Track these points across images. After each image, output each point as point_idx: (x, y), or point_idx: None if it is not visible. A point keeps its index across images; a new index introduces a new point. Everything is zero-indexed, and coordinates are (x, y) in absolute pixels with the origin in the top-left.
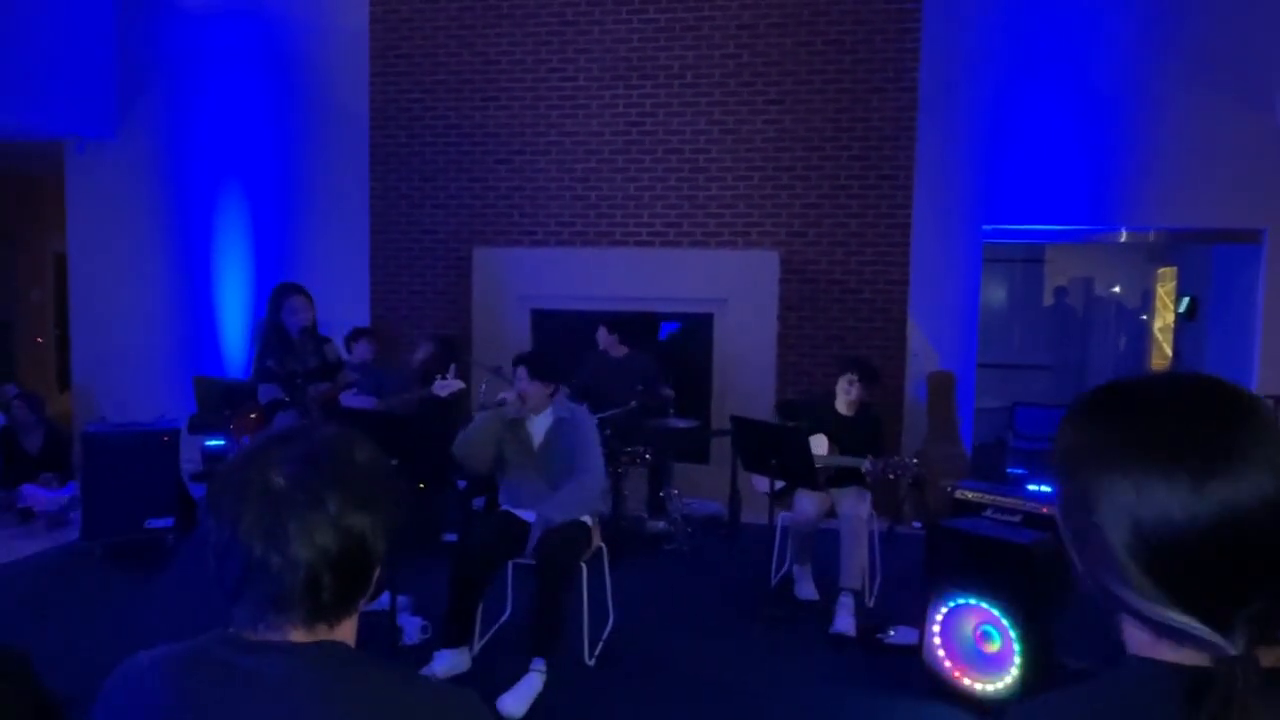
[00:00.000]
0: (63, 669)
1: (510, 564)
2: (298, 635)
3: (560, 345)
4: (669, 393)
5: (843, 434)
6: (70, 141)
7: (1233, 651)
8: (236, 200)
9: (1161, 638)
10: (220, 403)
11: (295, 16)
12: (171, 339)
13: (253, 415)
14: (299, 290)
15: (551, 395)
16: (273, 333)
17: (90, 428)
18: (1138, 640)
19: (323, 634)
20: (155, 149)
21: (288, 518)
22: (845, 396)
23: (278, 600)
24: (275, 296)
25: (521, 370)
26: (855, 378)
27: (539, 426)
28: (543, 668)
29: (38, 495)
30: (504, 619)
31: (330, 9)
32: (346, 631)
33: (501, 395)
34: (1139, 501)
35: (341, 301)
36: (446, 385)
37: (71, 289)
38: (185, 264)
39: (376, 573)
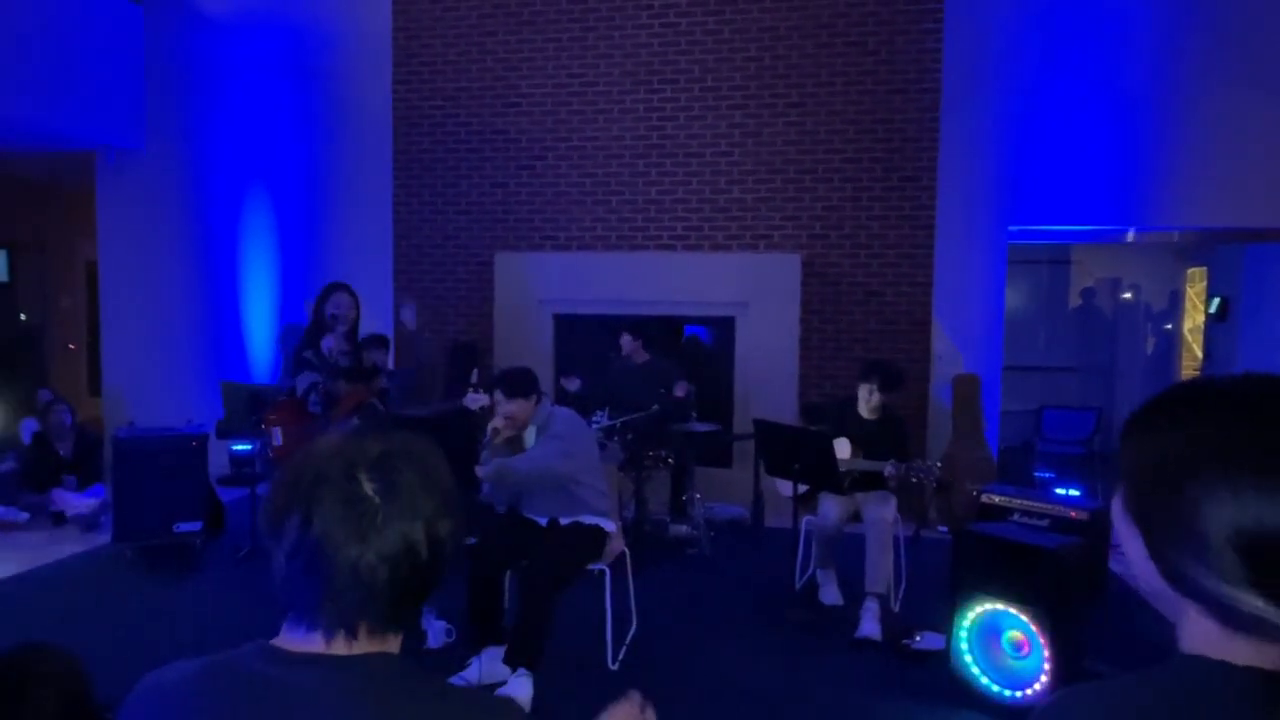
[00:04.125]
0: (95, 671)
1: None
2: (365, 643)
3: (582, 350)
4: (679, 393)
5: (866, 438)
6: (100, 151)
7: None
8: (262, 207)
9: (1230, 628)
10: (247, 407)
11: (319, 25)
12: (199, 344)
13: (283, 406)
14: (343, 288)
15: (534, 404)
16: (316, 327)
17: (120, 432)
18: (1200, 635)
19: (391, 642)
20: (183, 157)
21: (384, 523)
22: (867, 402)
23: (367, 605)
24: (323, 293)
25: (499, 394)
26: (875, 387)
27: (530, 436)
28: (528, 675)
29: (69, 499)
30: None
31: (354, 17)
32: (395, 644)
33: (491, 426)
34: (1243, 500)
35: (365, 306)
36: (478, 399)
37: (102, 296)
38: (213, 270)
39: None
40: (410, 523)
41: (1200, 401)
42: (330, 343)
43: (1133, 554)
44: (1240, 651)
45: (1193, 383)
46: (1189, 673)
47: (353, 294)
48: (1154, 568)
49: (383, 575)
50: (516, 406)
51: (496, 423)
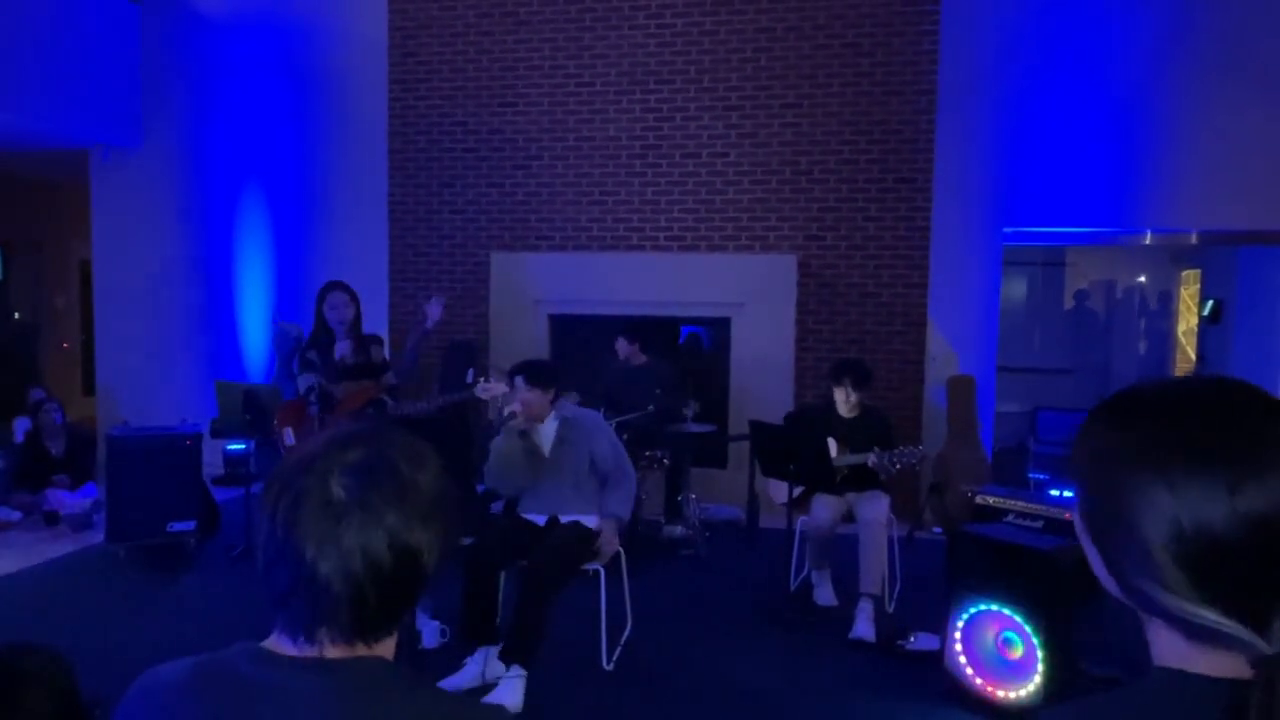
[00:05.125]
0: (86, 670)
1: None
2: (335, 651)
3: (577, 350)
4: (658, 393)
5: (850, 435)
6: (95, 149)
7: (1269, 651)
8: (257, 206)
9: (1194, 641)
10: (242, 407)
11: (315, 24)
12: (194, 343)
13: (290, 407)
14: (341, 287)
15: (553, 401)
16: (318, 327)
17: (114, 431)
18: (1168, 647)
19: (361, 650)
20: (178, 156)
21: (344, 529)
22: (846, 402)
23: (323, 611)
24: (320, 293)
25: (519, 380)
26: (849, 388)
27: (546, 433)
28: (523, 674)
29: (62, 498)
30: None
31: (349, 17)
32: (387, 648)
33: (509, 409)
34: (1176, 504)
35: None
36: (489, 389)
37: (96, 294)
38: (207, 269)
39: (424, 589)
40: (370, 531)
41: (1135, 405)
42: (345, 348)
43: (1095, 567)
44: (1207, 662)
45: (1130, 388)
46: (1162, 688)
47: (350, 292)
48: (1113, 581)
49: (338, 583)
50: (534, 396)
51: (514, 407)
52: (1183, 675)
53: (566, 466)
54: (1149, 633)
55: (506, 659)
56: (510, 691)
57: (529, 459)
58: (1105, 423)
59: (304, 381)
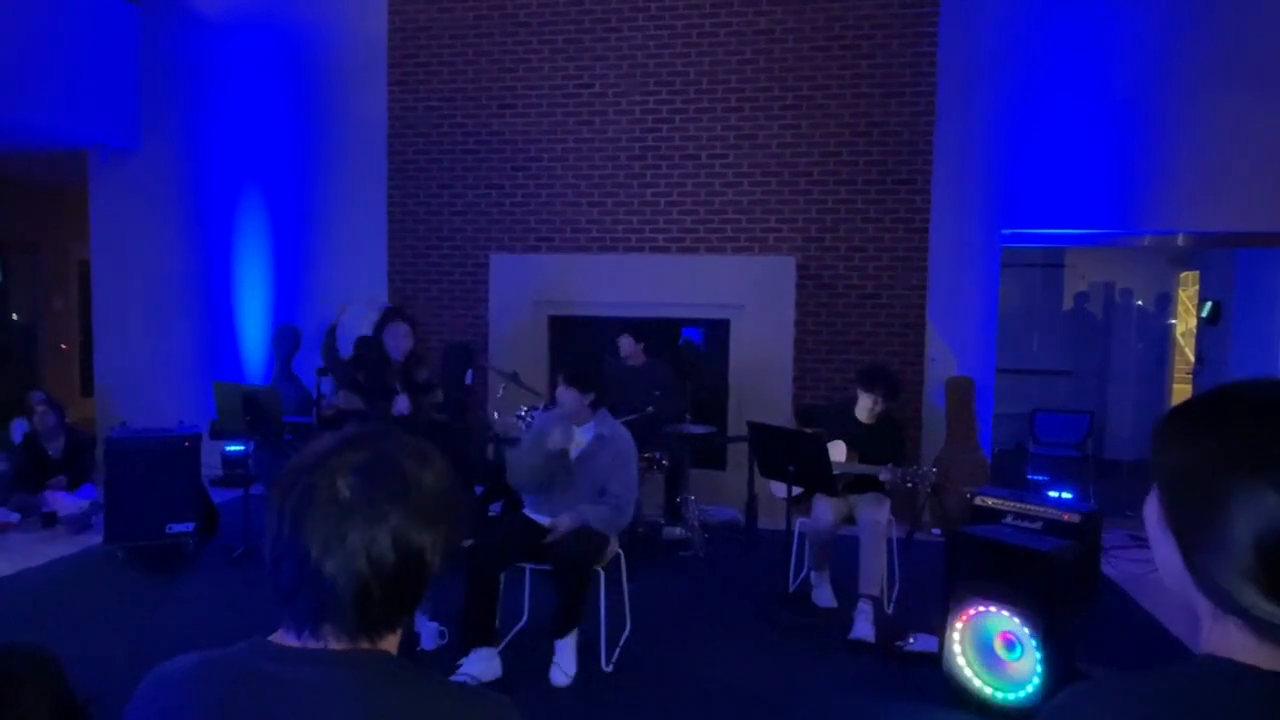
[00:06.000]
0: (86, 671)
1: (528, 569)
2: (339, 645)
3: (575, 351)
4: (656, 394)
5: (862, 441)
6: (94, 150)
7: None
8: (257, 207)
9: (1264, 639)
10: (240, 408)
11: (315, 25)
12: (192, 345)
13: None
14: (403, 316)
15: (592, 406)
16: (373, 348)
17: (113, 433)
18: (1226, 639)
19: (364, 646)
20: (177, 157)
21: (349, 527)
22: (870, 409)
23: (327, 608)
24: (382, 318)
25: (560, 376)
26: (879, 397)
27: (579, 439)
28: (573, 637)
29: (60, 500)
30: (521, 623)
31: (349, 18)
32: (390, 644)
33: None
34: (1269, 508)
35: (360, 308)
36: (506, 423)
37: (94, 296)
38: (206, 271)
39: (427, 588)
40: (374, 530)
41: (1237, 406)
42: (404, 407)
43: (1165, 558)
44: (1265, 656)
45: (1228, 387)
46: (1212, 674)
47: (412, 322)
48: (1187, 574)
49: (343, 582)
50: (568, 396)
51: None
52: (1232, 664)
53: (584, 479)
54: (1206, 624)
55: (559, 631)
56: (568, 651)
57: (549, 459)
58: (1200, 422)
59: (346, 400)
